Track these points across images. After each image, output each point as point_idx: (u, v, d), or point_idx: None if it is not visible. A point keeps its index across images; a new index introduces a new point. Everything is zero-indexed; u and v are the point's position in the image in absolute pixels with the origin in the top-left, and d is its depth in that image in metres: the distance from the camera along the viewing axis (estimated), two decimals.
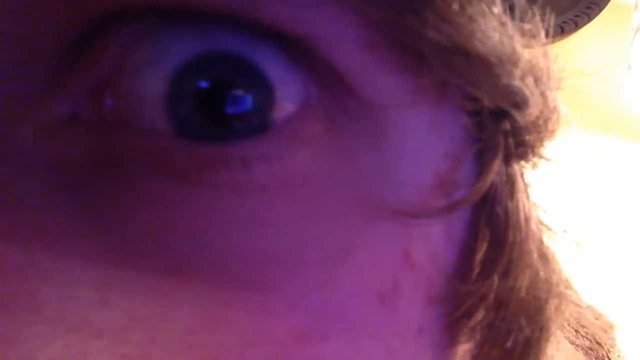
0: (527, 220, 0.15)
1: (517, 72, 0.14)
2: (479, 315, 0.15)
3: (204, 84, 0.12)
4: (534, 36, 0.14)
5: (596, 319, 0.34)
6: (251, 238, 0.12)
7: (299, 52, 0.12)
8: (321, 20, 0.12)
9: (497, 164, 0.14)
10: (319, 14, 0.12)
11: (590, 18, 0.79)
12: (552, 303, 0.15)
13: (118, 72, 0.12)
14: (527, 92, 0.14)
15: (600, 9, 0.81)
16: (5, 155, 0.12)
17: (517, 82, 0.14)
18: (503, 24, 0.13)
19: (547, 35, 0.15)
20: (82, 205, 0.12)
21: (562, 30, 0.70)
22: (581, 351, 0.34)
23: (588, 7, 0.81)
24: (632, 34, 0.68)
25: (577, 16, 0.77)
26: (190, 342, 0.11)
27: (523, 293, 0.15)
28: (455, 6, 0.12)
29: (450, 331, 0.15)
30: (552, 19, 0.15)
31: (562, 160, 0.17)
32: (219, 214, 0.12)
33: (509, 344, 0.15)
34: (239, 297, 0.12)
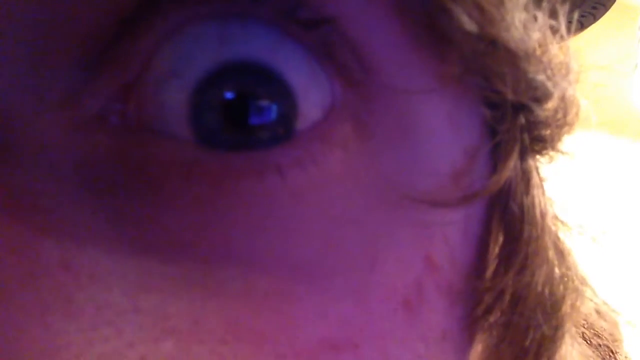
0: (542, 215, 0.15)
1: (542, 67, 0.14)
2: (497, 312, 0.14)
3: (229, 95, 0.12)
4: (556, 31, 0.14)
5: (603, 315, 0.34)
6: (281, 246, 0.12)
7: (324, 44, 0.12)
8: (350, 3, 0.12)
9: (514, 158, 0.14)
10: None
11: (596, 18, 0.79)
12: (568, 299, 0.15)
13: (142, 79, 0.12)
14: (550, 87, 0.14)
15: (606, 9, 0.80)
16: (31, 156, 0.12)
17: (541, 77, 0.14)
18: (531, 18, 0.13)
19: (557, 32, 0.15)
20: (111, 210, 0.12)
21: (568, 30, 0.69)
22: (590, 348, 0.33)
23: (594, 7, 0.81)
24: (638, 34, 0.68)
25: (583, 16, 0.77)
26: (222, 354, 0.11)
27: (540, 289, 0.15)
28: None
29: (470, 331, 0.15)
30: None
31: (567, 159, 0.17)
32: (250, 222, 0.12)
33: (527, 342, 0.15)
34: (269, 307, 0.12)
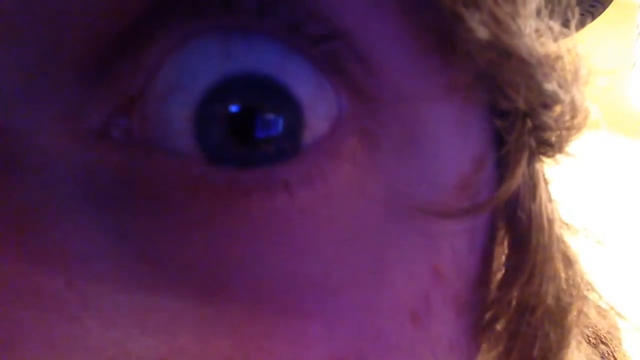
0: (550, 221, 0.15)
1: (554, 75, 0.13)
2: (505, 321, 0.14)
3: (234, 108, 0.12)
4: (564, 34, 0.14)
5: (602, 314, 0.34)
6: (290, 263, 0.12)
7: (332, 55, 0.12)
8: (358, 10, 0.12)
9: (522, 166, 0.14)
10: (356, 4, 0.12)
11: (594, 16, 0.79)
12: (575, 306, 0.15)
13: (146, 95, 0.12)
14: (561, 95, 0.14)
15: (604, 7, 0.80)
16: (34, 174, 0.11)
17: (553, 85, 0.13)
18: (543, 23, 0.13)
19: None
20: (115, 226, 0.12)
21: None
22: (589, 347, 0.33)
23: (592, 5, 0.81)
24: (636, 32, 0.68)
25: (582, 14, 0.76)
26: None
27: (548, 298, 0.15)
28: (503, 3, 0.12)
29: (477, 340, 0.14)
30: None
31: (567, 159, 0.17)
32: (258, 239, 0.12)
33: (535, 350, 0.14)
34: (277, 325, 0.12)
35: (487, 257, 0.15)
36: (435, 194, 0.13)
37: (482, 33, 0.12)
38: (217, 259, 0.12)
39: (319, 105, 0.12)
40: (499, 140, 0.15)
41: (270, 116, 0.12)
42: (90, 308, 0.11)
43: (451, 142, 0.14)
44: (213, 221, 0.12)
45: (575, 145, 0.16)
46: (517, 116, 0.14)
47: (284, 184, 0.12)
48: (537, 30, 0.13)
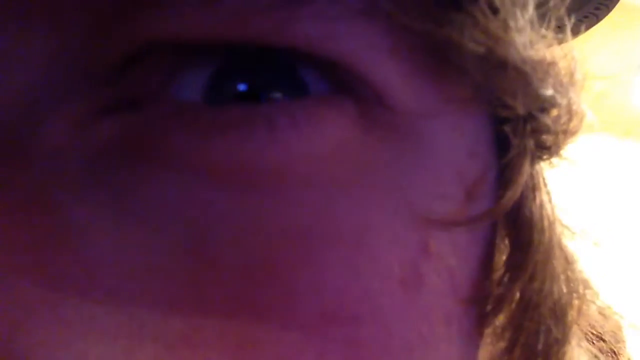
0: (550, 222, 0.15)
1: (550, 80, 0.14)
2: (507, 315, 0.15)
3: (242, 87, 0.12)
4: (560, 39, 0.14)
5: (606, 317, 0.34)
6: (272, 210, 0.12)
7: (333, 73, 0.13)
8: (354, 34, 0.12)
9: (526, 170, 0.15)
10: (351, 27, 0.12)
11: (598, 19, 0.79)
12: (575, 304, 0.15)
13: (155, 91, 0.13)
14: (558, 99, 0.14)
15: (609, 10, 0.80)
16: (39, 154, 0.12)
17: (549, 89, 0.14)
18: (535, 31, 0.13)
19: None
20: (110, 194, 0.12)
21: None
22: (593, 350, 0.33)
23: (597, 8, 0.81)
24: None
25: (586, 17, 0.76)
26: (224, 327, 0.11)
27: (549, 296, 0.15)
28: (493, 16, 0.12)
29: (479, 327, 0.15)
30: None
31: (569, 162, 0.17)
32: (242, 184, 0.12)
33: (539, 346, 0.15)
34: (266, 277, 0.12)
35: (490, 252, 0.15)
36: (434, 200, 0.14)
37: (475, 48, 0.12)
38: (206, 207, 0.12)
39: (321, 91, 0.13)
40: (499, 146, 0.15)
41: (276, 95, 0.13)
42: (97, 281, 0.11)
43: (448, 147, 0.14)
44: (200, 166, 0.12)
45: (578, 148, 0.16)
46: (517, 121, 0.14)
47: (266, 118, 0.12)
48: (530, 39, 0.13)
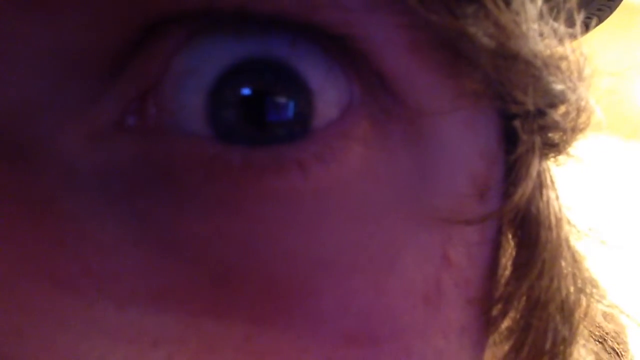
0: (557, 220, 0.15)
1: (560, 75, 0.14)
2: (515, 315, 0.15)
3: (246, 91, 0.12)
4: (570, 34, 0.14)
5: (610, 317, 0.34)
6: (304, 243, 0.12)
7: (343, 51, 0.12)
8: (371, 23, 0.12)
9: (535, 168, 0.14)
10: (369, 16, 0.12)
11: (601, 20, 0.79)
12: (582, 303, 0.15)
13: (161, 81, 0.12)
14: (568, 94, 0.14)
15: (611, 11, 0.80)
16: (51, 165, 0.12)
17: (559, 84, 0.14)
18: (546, 25, 0.13)
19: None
20: (133, 215, 0.12)
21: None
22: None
23: (599, 9, 0.80)
24: None
25: (588, 18, 0.76)
26: (248, 349, 0.11)
27: (557, 294, 0.15)
28: (505, 9, 0.12)
29: (487, 330, 0.15)
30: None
31: (575, 162, 0.17)
32: (273, 218, 0.12)
33: (547, 345, 0.15)
34: (292, 302, 0.12)
35: (496, 248, 0.15)
36: (446, 197, 0.14)
37: (488, 42, 0.12)
38: (233, 238, 0.12)
39: (329, 92, 0.13)
40: (507, 142, 0.15)
41: (281, 100, 0.12)
42: (105, 293, 0.11)
43: (460, 140, 0.14)
44: (229, 202, 0.12)
45: (583, 148, 0.16)
46: (526, 117, 0.14)
47: (298, 163, 0.12)
48: (541, 33, 0.13)
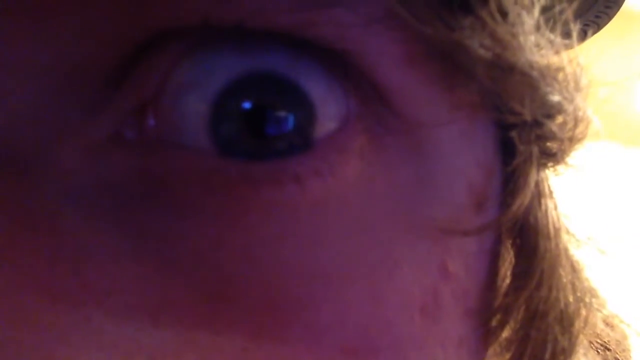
0: (556, 230, 0.15)
1: (556, 86, 0.14)
2: (514, 326, 0.14)
3: (246, 105, 0.12)
4: (566, 44, 0.14)
5: (611, 326, 0.34)
6: (301, 255, 0.12)
7: (341, 66, 0.12)
8: (367, 38, 0.12)
9: (532, 178, 0.14)
10: (365, 31, 0.12)
11: (600, 27, 0.79)
12: (582, 312, 0.15)
13: (160, 93, 0.12)
14: (565, 105, 0.14)
15: (610, 17, 0.80)
16: (49, 178, 0.12)
17: (556, 95, 0.14)
18: (542, 35, 0.13)
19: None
20: (128, 227, 0.12)
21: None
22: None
23: (597, 16, 0.81)
24: None
25: (587, 25, 0.77)
26: None
27: (556, 304, 0.15)
28: (502, 21, 0.12)
29: (485, 341, 0.15)
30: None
31: (574, 169, 0.17)
32: (270, 231, 0.12)
33: (547, 356, 0.15)
34: (289, 315, 0.12)
35: (494, 259, 0.15)
36: (444, 207, 0.14)
37: (484, 53, 0.12)
38: (231, 251, 0.12)
39: (329, 105, 0.13)
40: (505, 153, 0.15)
41: (282, 114, 0.12)
42: (103, 307, 0.11)
43: (457, 153, 0.14)
44: (226, 215, 0.12)
45: (583, 155, 0.16)
46: (523, 127, 0.14)
47: (295, 177, 0.12)
48: (537, 44, 0.13)
